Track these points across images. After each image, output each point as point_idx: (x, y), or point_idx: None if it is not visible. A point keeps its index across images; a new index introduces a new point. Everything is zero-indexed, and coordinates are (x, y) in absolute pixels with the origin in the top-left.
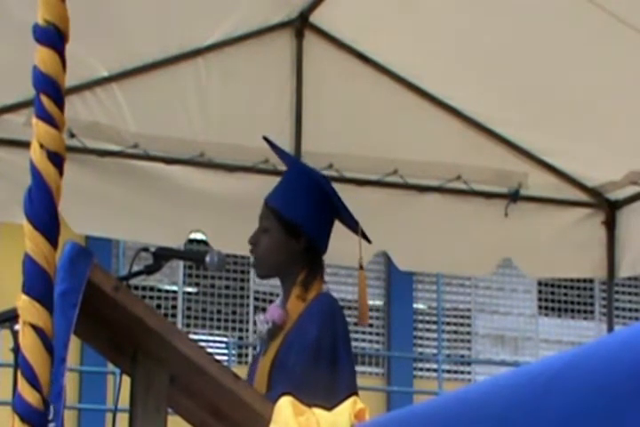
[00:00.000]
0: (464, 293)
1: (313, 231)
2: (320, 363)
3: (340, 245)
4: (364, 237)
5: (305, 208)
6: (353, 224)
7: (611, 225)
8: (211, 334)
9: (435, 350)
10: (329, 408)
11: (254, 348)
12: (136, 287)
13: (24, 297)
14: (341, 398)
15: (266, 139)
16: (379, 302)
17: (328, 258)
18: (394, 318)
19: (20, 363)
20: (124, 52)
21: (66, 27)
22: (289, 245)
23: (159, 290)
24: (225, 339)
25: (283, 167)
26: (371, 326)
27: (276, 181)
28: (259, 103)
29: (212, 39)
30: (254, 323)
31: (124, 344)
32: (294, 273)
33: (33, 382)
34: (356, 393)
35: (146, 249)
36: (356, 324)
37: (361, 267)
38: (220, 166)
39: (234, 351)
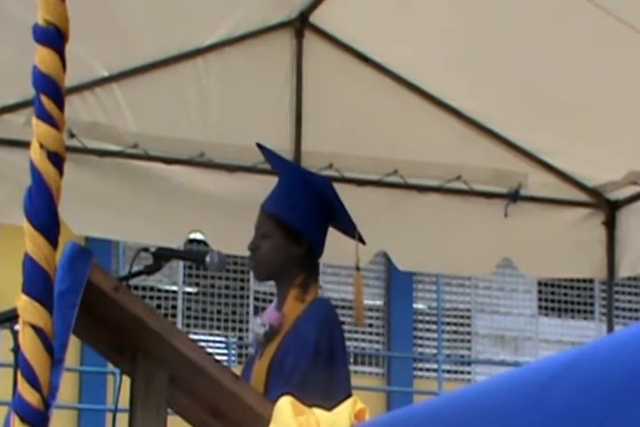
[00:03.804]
0: (464, 293)
1: (313, 236)
2: (318, 366)
3: (341, 246)
4: (361, 240)
5: (305, 213)
6: (350, 228)
7: (611, 225)
8: (211, 334)
9: (435, 350)
10: (327, 410)
11: None
12: (136, 287)
13: (24, 297)
14: (339, 399)
15: (259, 145)
16: (379, 302)
17: (328, 258)
18: (394, 318)
19: (19, 363)
20: (124, 52)
21: (66, 27)
22: (289, 249)
23: (159, 290)
24: (225, 339)
25: None
26: (371, 326)
27: (276, 181)
28: (259, 103)
29: (212, 39)
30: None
31: (124, 344)
32: (292, 276)
33: (33, 382)
34: (350, 395)
35: (146, 249)
36: (355, 317)
37: (357, 269)
38: (220, 166)
39: (234, 351)
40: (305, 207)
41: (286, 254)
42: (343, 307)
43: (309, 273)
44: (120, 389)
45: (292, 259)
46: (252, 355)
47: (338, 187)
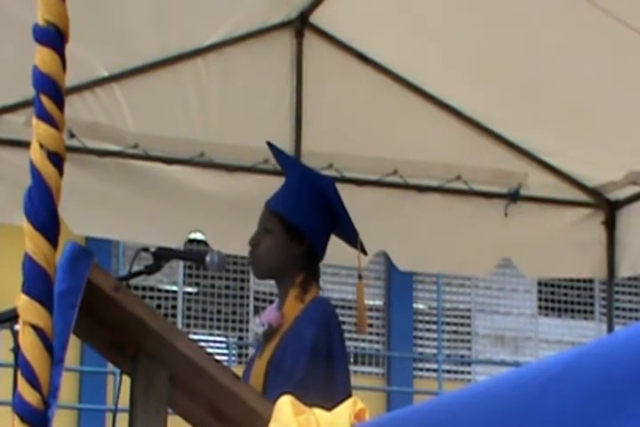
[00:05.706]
0: (464, 293)
1: (314, 237)
2: (317, 365)
3: (341, 246)
4: (362, 249)
5: (308, 214)
6: (352, 235)
7: (611, 225)
8: (211, 334)
9: (435, 350)
10: (326, 409)
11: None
12: (136, 287)
13: (24, 297)
14: (338, 399)
15: (269, 143)
16: (379, 302)
17: (328, 258)
18: (394, 318)
19: (19, 363)
20: (124, 52)
21: (66, 27)
22: (290, 248)
23: (159, 290)
24: (225, 339)
25: None
26: (371, 326)
27: (276, 181)
28: (259, 103)
29: (212, 39)
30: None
31: (124, 344)
32: (292, 276)
33: (33, 382)
34: (350, 396)
35: (146, 249)
36: (356, 324)
37: (360, 277)
38: (220, 166)
39: (234, 351)
40: (309, 209)
41: (286, 254)
42: (343, 307)
43: (309, 273)
44: (120, 389)
45: (293, 259)
46: (253, 354)
47: (338, 187)
